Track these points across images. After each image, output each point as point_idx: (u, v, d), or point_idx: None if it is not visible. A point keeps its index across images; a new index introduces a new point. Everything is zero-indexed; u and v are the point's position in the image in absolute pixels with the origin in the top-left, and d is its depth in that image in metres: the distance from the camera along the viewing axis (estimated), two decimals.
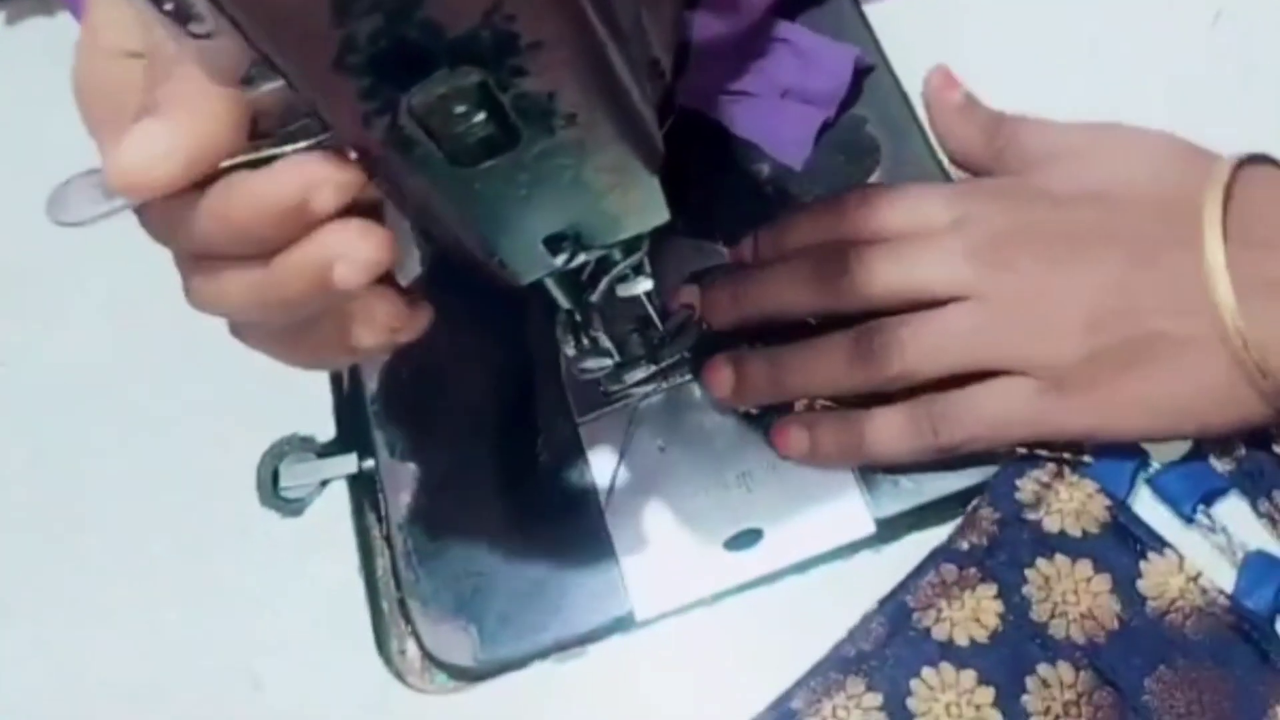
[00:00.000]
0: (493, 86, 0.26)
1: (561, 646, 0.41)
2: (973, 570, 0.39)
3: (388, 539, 0.44)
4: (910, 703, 0.37)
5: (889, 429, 0.39)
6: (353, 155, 0.28)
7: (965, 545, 0.39)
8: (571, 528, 0.42)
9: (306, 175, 0.27)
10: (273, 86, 0.28)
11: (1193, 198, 0.36)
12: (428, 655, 0.42)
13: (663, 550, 0.41)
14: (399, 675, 0.42)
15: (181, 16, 0.26)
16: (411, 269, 0.47)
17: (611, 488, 0.42)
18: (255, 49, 0.25)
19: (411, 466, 0.44)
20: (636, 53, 0.29)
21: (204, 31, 0.26)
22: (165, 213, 0.27)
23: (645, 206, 0.33)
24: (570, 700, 0.40)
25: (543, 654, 0.41)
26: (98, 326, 0.49)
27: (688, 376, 0.43)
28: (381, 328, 0.29)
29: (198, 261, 0.29)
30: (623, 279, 0.37)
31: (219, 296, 0.29)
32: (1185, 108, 0.43)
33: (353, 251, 0.27)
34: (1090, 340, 0.36)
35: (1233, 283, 0.35)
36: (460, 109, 0.26)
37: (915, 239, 0.39)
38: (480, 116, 0.26)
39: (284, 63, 0.24)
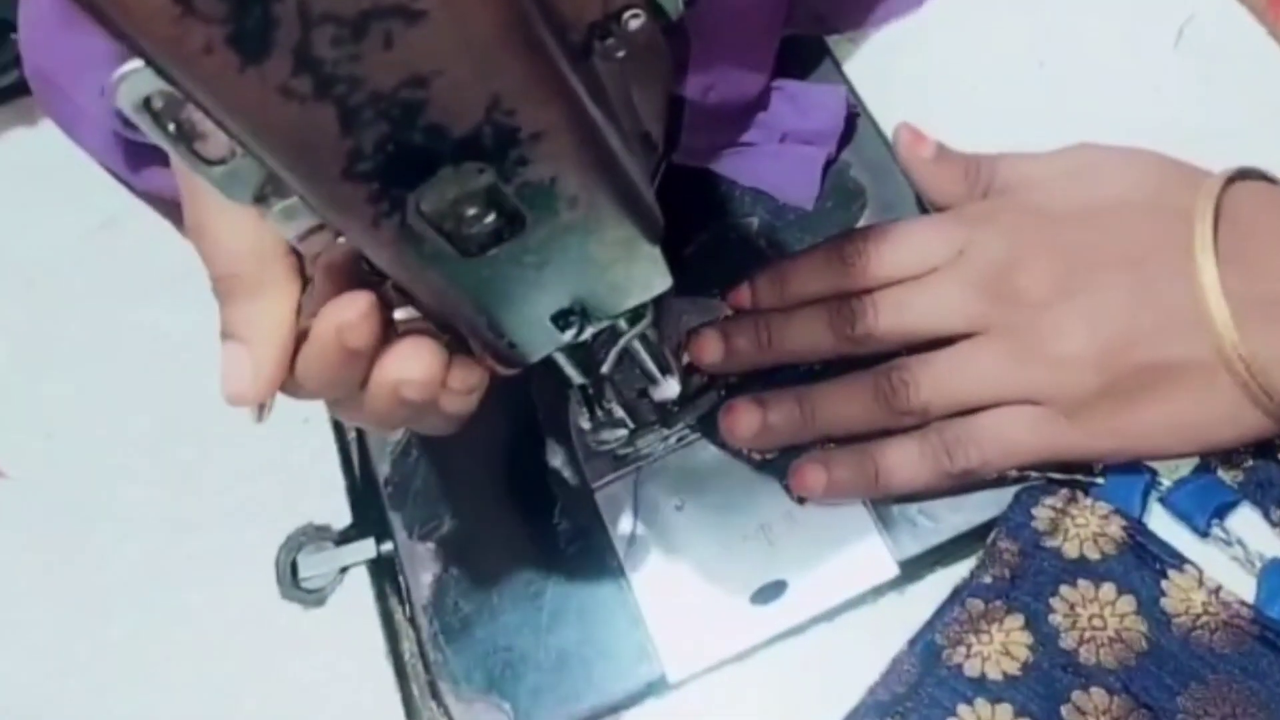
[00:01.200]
0: (496, 179, 0.26)
1: (597, 715, 0.41)
2: (998, 603, 0.39)
3: (412, 621, 0.44)
4: None
5: (903, 458, 0.39)
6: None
7: (988, 579, 0.40)
8: (596, 595, 0.42)
9: (336, 319, 0.29)
10: (285, 204, 0.28)
11: (1185, 217, 0.37)
12: None
13: (690, 610, 0.41)
14: None
15: (187, 137, 0.26)
16: None
17: (632, 550, 0.42)
18: (266, 168, 0.26)
19: (430, 546, 0.44)
20: (630, 128, 0.30)
21: (216, 157, 0.26)
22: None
23: (649, 275, 0.33)
24: None
25: None
26: (106, 427, 0.49)
27: (697, 435, 0.44)
28: (462, 395, 0.32)
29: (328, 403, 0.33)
30: (649, 377, 0.38)
31: (349, 419, 0.37)
32: (1154, 129, 0.44)
33: (407, 373, 0.30)
34: (1103, 372, 0.37)
35: (1229, 305, 0.35)
36: (468, 207, 0.27)
37: (922, 281, 0.40)
38: (488, 215, 0.27)
39: (295, 177, 0.25)
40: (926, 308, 0.39)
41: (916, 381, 0.39)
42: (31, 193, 0.55)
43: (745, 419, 0.41)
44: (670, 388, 0.40)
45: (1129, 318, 0.37)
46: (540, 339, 0.34)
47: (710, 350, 0.42)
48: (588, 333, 0.34)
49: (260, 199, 0.28)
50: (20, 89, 0.58)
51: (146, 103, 0.25)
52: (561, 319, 0.33)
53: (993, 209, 0.41)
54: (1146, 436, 0.38)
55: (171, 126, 0.26)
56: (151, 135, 0.26)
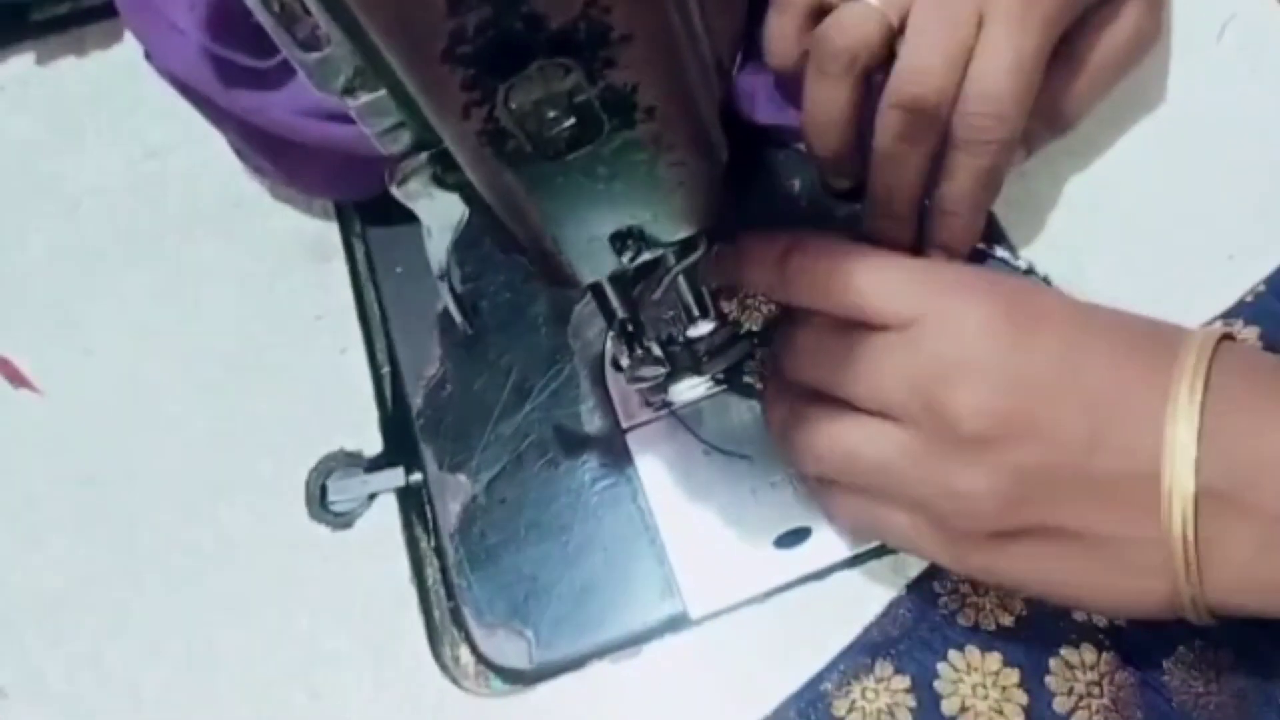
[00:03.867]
0: (582, 79, 0.27)
1: (616, 646, 0.42)
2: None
3: (437, 550, 0.45)
4: (937, 685, 0.39)
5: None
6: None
7: None
8: (622, 532, 0.43)
9: None
10: (372, 98, 0.29)
11: (1162, 375, 0.32)
12: (482, 660, 0.42)
13: (713, 550, 0.42)
14: (454, 681, 0.42)
15: (288, 19, 0.28)
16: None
17: (659, 491, 0.43)
18: (363, 53, 0.27)
19: (460, 478, 0.45)
20: (706, 53, 0.31)
21: (309, 37, 0.28)
22: None
23: (707, 205, 0.34)
24: (625, 699, 0.41)
25: (598, 654, 0.42)
26: (146, 347, 0.50)
27: (725, 386, 0.45)
28: None
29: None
30: (687, 313, 0.39)
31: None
32: (1193, 120, 0.46)
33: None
34: (1007, 520, 0.34)
35: (1196, 483, 0.31)
36: (550, 109, 0.28)
37: (866, 342, 0.36)
38: (568, 119, 0.28)
39: (396, 58, 0.26)
40: (859, 373, 0.36)
41: (810, 435, 0.38)
42: (80, 122, 0.56)
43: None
44: (705, 328, 0.41)
45: (1064, 477, 0.33)
46: (596, 260, 0.35)
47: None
48: (642, 257, 0.35)
49: (348, 90, 0.29)
50: (70, 20, 0.59)
51: None
52: (619, 241, 0.34)
53: (970, 282, 0.36)
54: (1023, 586, 0.36)
55: (276, 5, 0.27)
56: (256, 11, 0.27)
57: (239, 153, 0.51)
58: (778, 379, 0.41)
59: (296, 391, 0.48)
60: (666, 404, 0.45)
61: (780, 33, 0.42)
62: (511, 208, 0.32)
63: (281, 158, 0.48)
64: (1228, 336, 0.34)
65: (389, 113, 0.30)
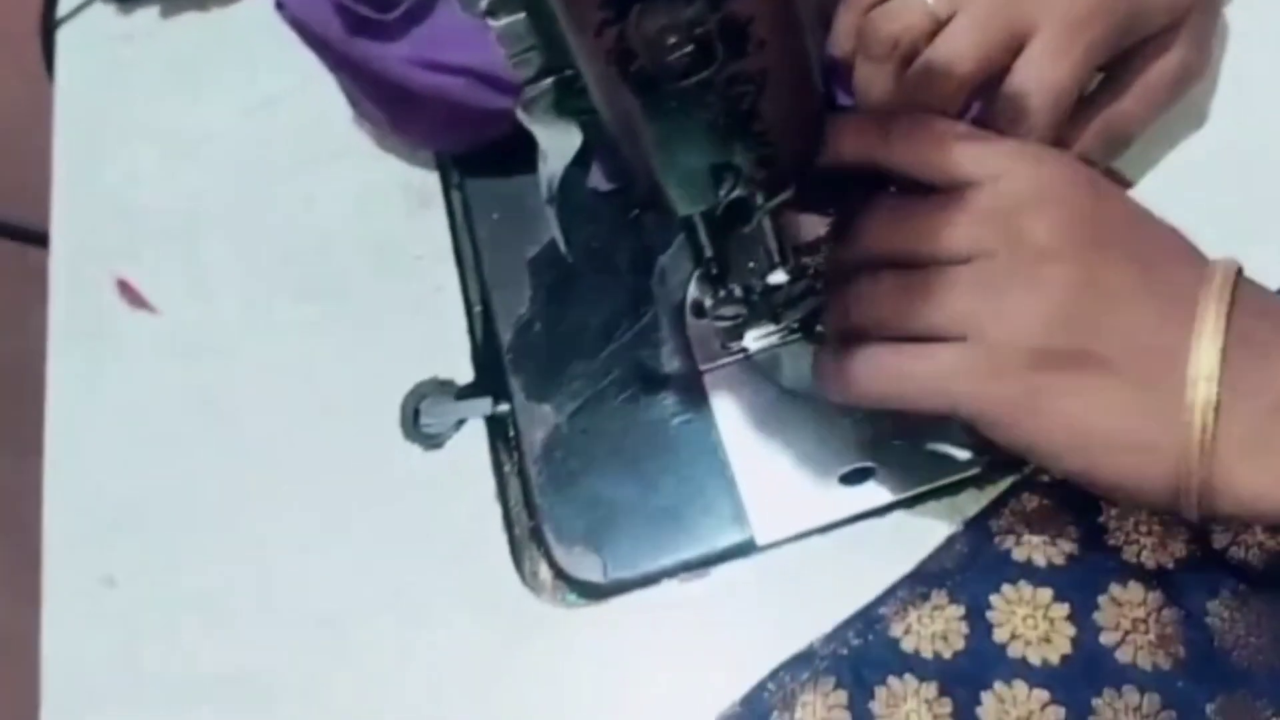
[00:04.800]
0: (705, 7, 0.30)
1: (686, 567, 0.44)
2: (1050, 501, 0.42)
3: (520, 473, 0.48)
4: (990, 615, 0.41)
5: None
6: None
7: (1046, 478, 0.43)
8: (695, 463, 0.46)
9: None
10: (511, 19, 0.32)
11: (1199, 280, 0.36)
12: (561, 575, 0.45)
13: (781, 483, 0.45)
14: (533, 592, 0.45)
15: None
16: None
17: (732, 427, 0.46)
18: None
19: (545, 408, 0.48)
20: (813, 2, 0.34)
21: None
22: None
23: (803, 148, 0.37)
24: (692, 616, 0.44)
25: (669, 574, 0.44)
26: (256, 277, 0.54)
27: (798, 336, 0.47)
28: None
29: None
30: (769, 257, 0.42)
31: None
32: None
33: None
34: (1050, 340, 0.36)
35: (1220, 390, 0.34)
36: (672, 35, 0.31)
37: (948, 194, 0.39)
38: (688, 45, 0.31)
39: None
40: (933, 225, 0.39)
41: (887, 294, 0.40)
42: (199, 72, 0.60)
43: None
44: (783, 277, 0.44)
45: (1113, 303, 0.36)
46: (695, 191, 0.38)
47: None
48: (735, 192, 0.38)
49: (490, 12, 0.33)
50: None
51: None
52: (717, 174, 0.37)
53: (1049, 151, 0.40)
54: (1047, 431, 0.37)
55: None
56: None
57: (351, 100, 0.55)
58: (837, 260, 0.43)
59: (395, 323, 0.51)
60: (743, 349, 0.48)
61: (844, 25, 0.45)
62: (626, 132, 0.35)
63: (394, 107, 0.51)
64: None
65: (524, 37, 0.33)
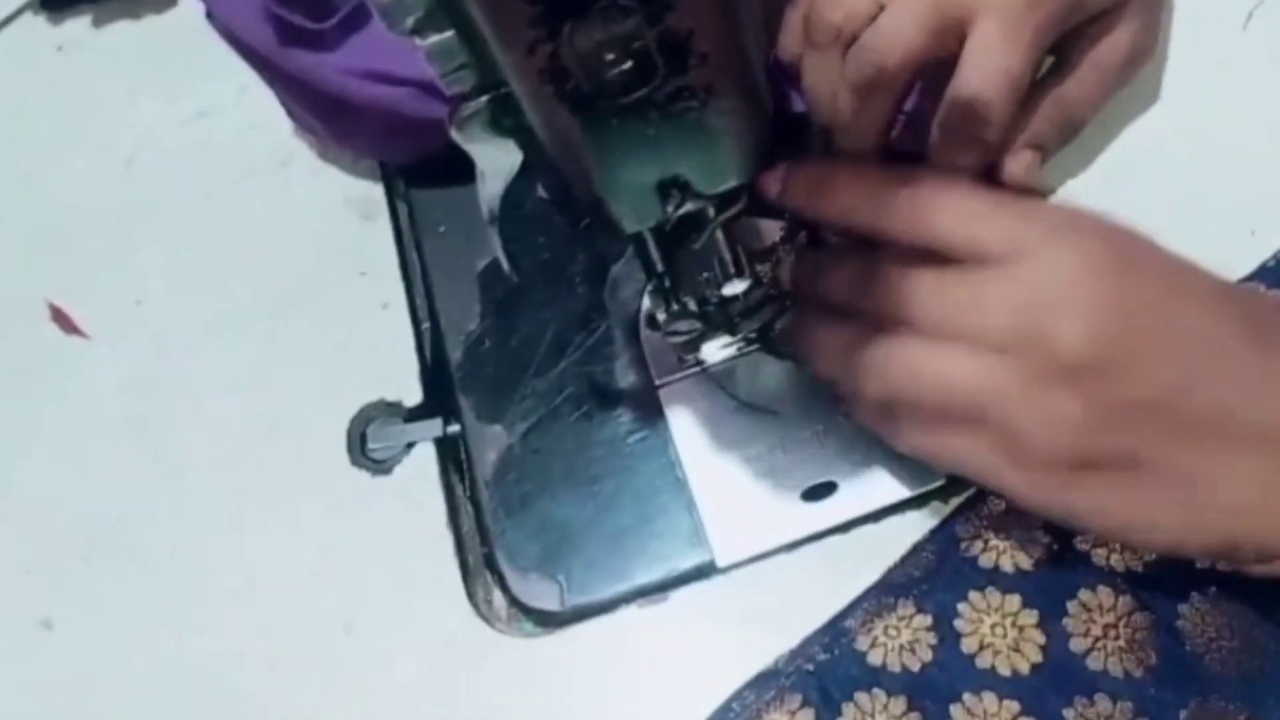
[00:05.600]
0: (643, 22, 0.29)
1: (645, 592, 0.43)
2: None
3: (473, 497, 0.46)
4: (958, 624, 0.40)
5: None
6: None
7: None
8: (653, 482, 0.45)
9: None
10: (440, 39, 0.31)
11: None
12: (515, 603, 0.44)
13: (741, 502, 0.44)
14: (487, 622, 0.44)
15: None
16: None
17: (689, 443, 0.45)
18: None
19: (496, 428, 0.47)
20: (757, 7, 0.32)
21: None
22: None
23: (751, 158, 0.36)
24: (653, 642, 0.42)
25: (627, 599, 0.43)
26: (193, 298, 0.52)
27: (756, 346, 0.46)
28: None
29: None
30: (723, 269, 0.40)
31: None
32: (1220, 108, 0.47)
33: None
34: (1088, 448, 0.35)
35: None
36: (610, 51, 0.29)
37: (962, 271, 0.37)
38: (626, 62, 0.29)
39: None
40: (958, 306, 0.36)
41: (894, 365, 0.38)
42: (134, 82, 0.58)
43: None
44: (739, 287, 0.42)
45: (1154, 412, 0.34)
46: (642, 208, 0.36)
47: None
48: (685, 207, 0.36)
49: (417, 30, 0.31)
50: None
51: None
52: (664, 190, 0.36)
53: (1075, 224, 0.37)
54: (1090, 518, 0.36)
55: None
56: None
57: (290, 112, 0.53)
58: (818, 306, 0.41)
59: (339, 343, 0.50)
60: (699, 362, 0.46)
61: (791, 26, 0.43)
62: (566, 150, 0.33)
63: (332, 118, 0.50)
64: None
65: (455, 54, 0.31)
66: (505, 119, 0.34)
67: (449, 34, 0.31)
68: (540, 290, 0.49)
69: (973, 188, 0.38)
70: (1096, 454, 0.34)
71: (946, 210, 0.37)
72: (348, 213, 0.53)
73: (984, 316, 0.36)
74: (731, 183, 0.36)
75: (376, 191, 0.53)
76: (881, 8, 0.39)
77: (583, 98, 0.30)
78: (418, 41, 0.31)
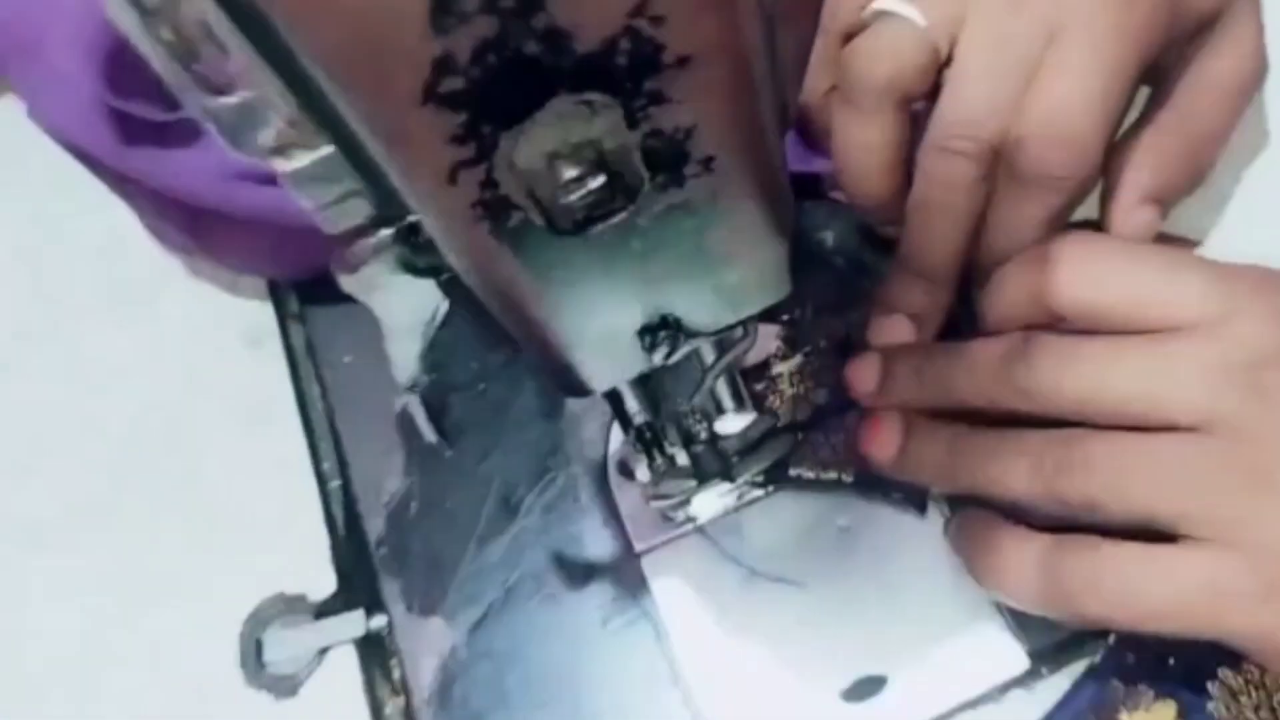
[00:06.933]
0: (623, 121, 0.19)
1: None
2: (1142, 685, 0.33)
3: (409, 716, 0.35)
4: None
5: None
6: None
7: (1131, 657, 0.33)
8: (641, 685, 0.35)
9: None
10: (314, 158, 0.20)
11: None
12: None
13: (760, 707, 0.33)
14: None
15: (185, 53, 0.19)
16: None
17: (688, 631, 0.35)
18: (300, 95, 0.18)
19: (435, 622, 0.36)
20: (775, 82, 0.22)
21: (224, 84, 0.19)
22: None
23: (766, 280, 0.26)
24: None
25: None
26: (33, 456, 0.41)
27: (765, 491, 0.36)
28: None
29: None
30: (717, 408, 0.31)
31: None
32: None
33: None
34: None
35: None
36: (570, 164, 0.19)
37: (1154, 341, 0.29)
38: (595, 177, 0.19)
39: (352, 101, 0.17)
40: (1155, 373, 0.29)
41: (1090, 466, 0.29)
42: None
43: (884, 435, 0.33)
44: (739, 423, 0.33)
45: None
46: (617, 360, 0.27)
47: (866, 377, 0.34)
48: (679, 353, 0.26)
49: (279, 151, 0.20)
50: None
51: None
52: (648, 334, 0.26)
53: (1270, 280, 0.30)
54: None
55: (166, 33, 0.18)
56: (136, 42, 0.18)
57: (150, 227, 0.42)
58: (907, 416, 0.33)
59: (222, 519, 0.39)
60: (690, 518, 0.36)
61: (819, 60, 0.34)
62: (507, 298, 0.23)
63: (199, 230, 0.39)
64: None
65: (337, 179, 0.21)
66: (420, 257, 0.23)
67: (326, 151, 0.20)
68: (481, 432, 0.39)
69: (1155, 253, 0.30)
70: None
71: (1131, 280, 0.30)
72: (229, 342, 0.42)
73: (1187, 388, 0.28)
74: (744, 314, 0.27)
75: (264, 314, 0.42)
76: (936, 54, 0.30)
77: (533, 233, 0.20)
78: (280, 165, 0.21)
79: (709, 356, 0.29)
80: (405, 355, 0.26)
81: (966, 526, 0.32)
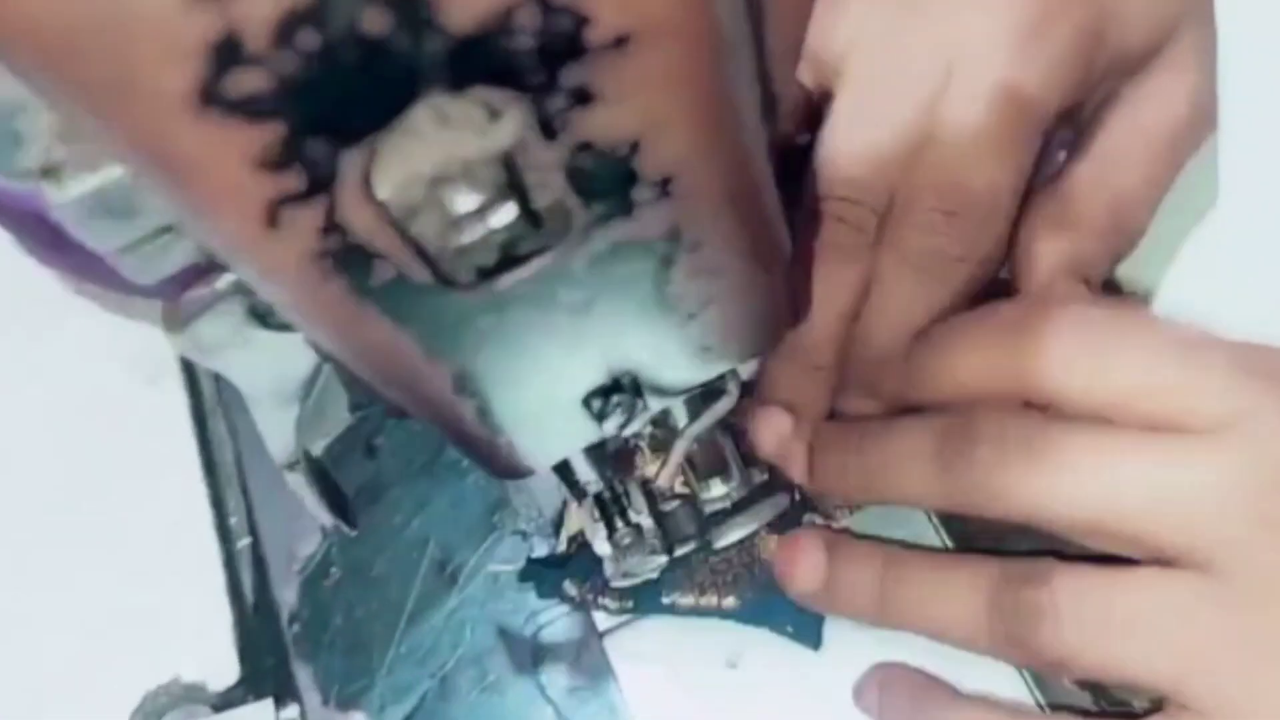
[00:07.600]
0: (530, 128, 0.13)
1: None
2: None
3: None
4: None
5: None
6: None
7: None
8: None
9: None
10: (102, 181, 0.14)
11: None
12: None
13: None
14: None
15: None
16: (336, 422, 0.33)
17: None
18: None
19: (357, 717, 0.31)
20: (755, 74, 0.16)
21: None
22: None
23: (748, 326, 0.20)
24: None
25: None
26: None
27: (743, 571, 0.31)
28: None
29: None
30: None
31: None
32: None
33: None
34: None
35: None
36: (462, 190, 0.13)
37: (1171, 442, 0.24)
38: (501, 206, 0.13)
39: (92, 105, 0.11)
40: (1155, 494, 0.23)
41: (1059, 615, 0.24)
42: None
43: (807, 560, 0.27)
44: (720, 488, 0.27)
45: None
46: (559, 434, 0.21)
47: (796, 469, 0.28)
48: (638, 422, 0.20)
49: (48, 173, 0.15)
50: None
51: None
52: (600, 399, 0.20)
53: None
54: None
55: None
56: None
57: (23, 245, 0.36)
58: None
59: (105, 590, 0.33)
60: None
61: (819, 333, 0.27)
62: (393, 374, 0.17)
63: (61, 248, 0.33)
64: None
65: (136, 211, 0.15)
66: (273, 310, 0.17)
67: (114, 175, 0.14)
68: (410, 485, 0.33)
69: (1134, 322, 0.24)
70: None
71: (1137, 369, 0.24)
72: (119, 376, 0.36)
73: (1196, 514, 0.23)
74: (720, 368, 0.21)
75: (160, 343, 0.36)
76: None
77: (414, 288, 0.14)
78: (51, 194, 0.15)
79: (681, 420, 0.23)
80: (277, 427, 0.20)
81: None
